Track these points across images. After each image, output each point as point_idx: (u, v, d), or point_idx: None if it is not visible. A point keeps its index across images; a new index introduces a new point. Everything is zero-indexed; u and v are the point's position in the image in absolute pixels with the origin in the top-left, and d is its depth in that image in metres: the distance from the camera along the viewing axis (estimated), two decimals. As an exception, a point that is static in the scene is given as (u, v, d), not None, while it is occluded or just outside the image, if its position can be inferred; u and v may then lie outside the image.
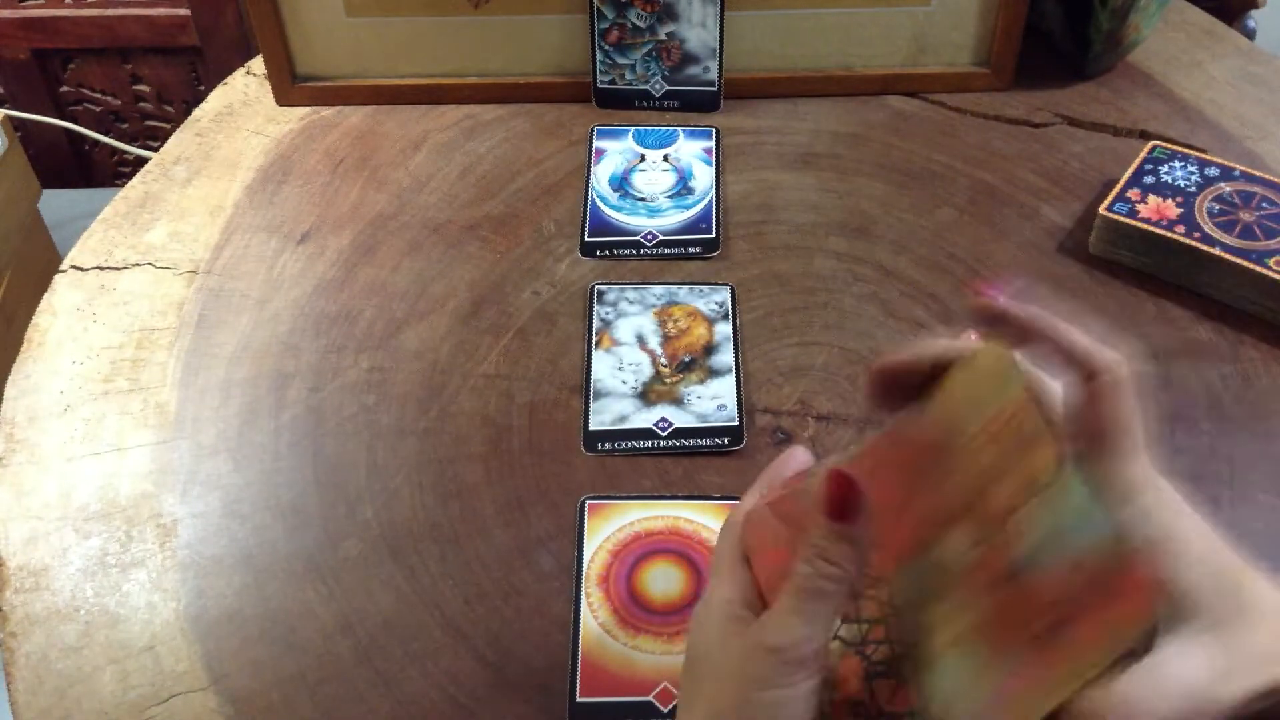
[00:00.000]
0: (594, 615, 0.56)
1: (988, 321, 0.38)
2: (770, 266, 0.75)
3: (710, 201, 0.79)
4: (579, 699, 0.53)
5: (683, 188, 0.80)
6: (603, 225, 0.77)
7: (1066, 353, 0.37)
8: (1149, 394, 0.37)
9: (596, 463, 0.63)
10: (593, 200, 0.79)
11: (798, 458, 0.44)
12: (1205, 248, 0.69)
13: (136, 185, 0.82)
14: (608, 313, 0.71)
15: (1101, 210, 0.72)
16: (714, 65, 0.86)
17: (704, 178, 0.81)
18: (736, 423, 0.65)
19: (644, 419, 0.65)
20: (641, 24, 0.84)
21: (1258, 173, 0.75)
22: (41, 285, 0.74)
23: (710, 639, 0.39)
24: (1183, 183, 0.74)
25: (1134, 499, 0.36)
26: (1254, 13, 1.19)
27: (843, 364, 0.68)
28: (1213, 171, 0.75)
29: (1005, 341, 0.37)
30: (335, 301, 0.73)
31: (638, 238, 0.76)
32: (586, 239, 0.76)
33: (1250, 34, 1.18)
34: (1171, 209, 0.72)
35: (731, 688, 0.36)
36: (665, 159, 0.83)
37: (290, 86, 0.88)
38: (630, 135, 0.85)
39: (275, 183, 0.82)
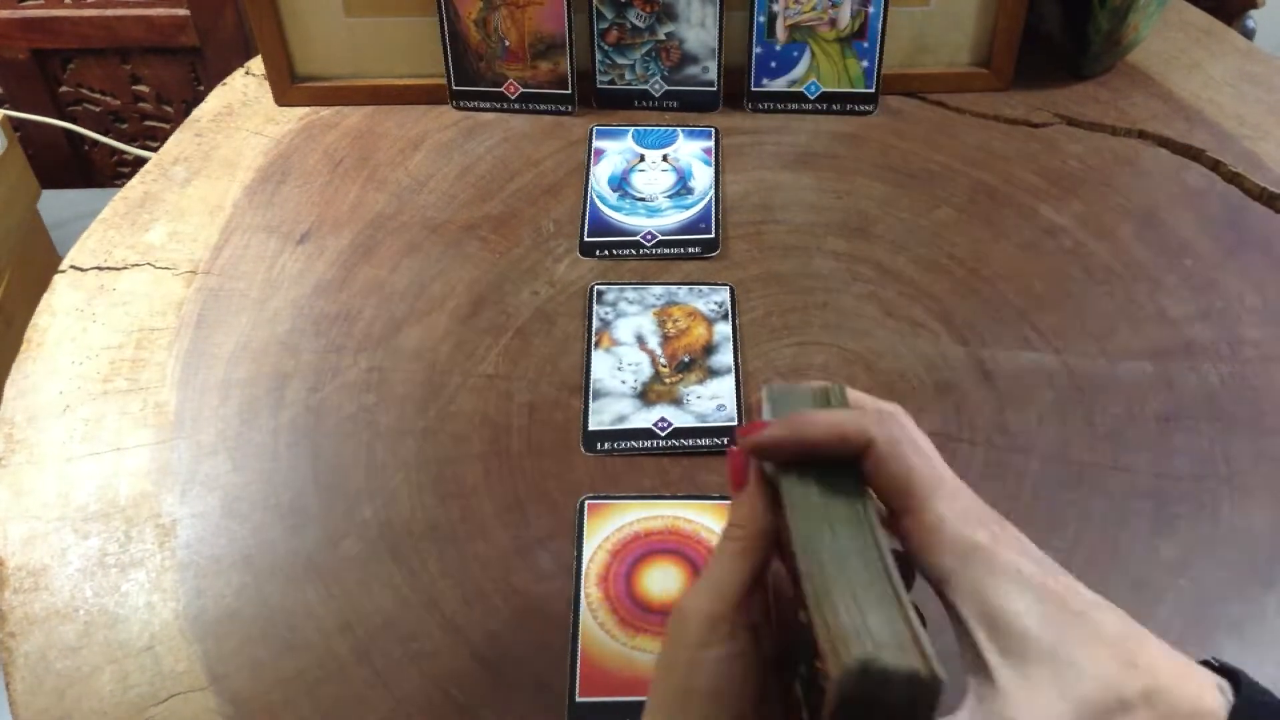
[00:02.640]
0: (593, 615, 0.56)
1: (760, 458, 0.39)
2: (769, 266, 0.75)
3: (709, 201, 0.79)
4: (578, 699, 0.53)
5: (682, 188, 0.80)
6: (602, 225, 0.77)
7: (830, 443, 0.37)
8: (922, 437, 0.37)
9: (596, 463, 0.63)
10: (592, 200, 0.79)
11: None
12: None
13: (136, 185, 0.82)
14: (607, 313, 0.71)
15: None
16: (713, 65, 0.86)
17: (703, 178, 0.81)
18: (736, 423, 0.64)
19: (643, 419, 0.65)
20: (641, 24, 0.84)
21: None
22: (41, 285, 0.74)
23: None
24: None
25: (959, 543, 0.35)
26: (1253, 13, 1.19)
27: (841, 364, 0.68)
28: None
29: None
30: (334, 301, 0.73)
31: (637, 238, 0.76)
32: (586, 239, 0.76)
33: (1249, 34, 1.18)
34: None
35: (662, 661, 0.37)
36: (664, 159, 0.83)
37: (289, 86, 0.88)
38: (629, 135, 0.85)
39: (274, 183, 0.82)
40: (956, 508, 0.36)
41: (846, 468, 0.37)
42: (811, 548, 0.35)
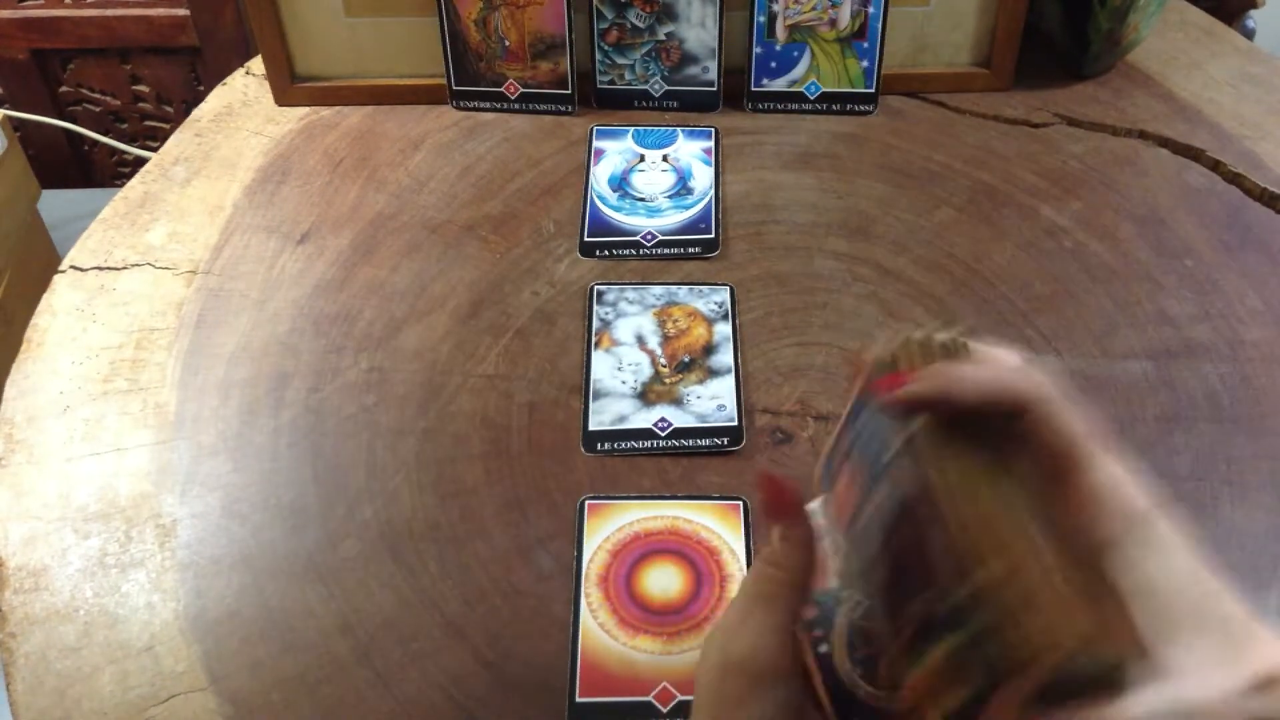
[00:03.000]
0: (593, 615, 0.56)
1: (904, 412, 0.35)
2: (769, 266, 0.75)
3: (710, 201, 0.79)
4: (578, 699, 0.53)
5: (682, 188, 0.80)
6: (602, 225, 0.77)
7: (979, 405, 0.34)
8: (1081, 401, 0.35)
9: (596, 463, 0.63)
10: (592, 200, 0.79)
11: None
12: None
13: (136, 185, 0.82)
14: (607, 313, 0.71)
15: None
16: (713, 65, 0.86)
17: (703, 178, 0.81)
18: (736, 423, 0.65)
19: (643, 419, 0.65)
20: (641, 24, 0.84)
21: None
22: (41, 285, 0.74)
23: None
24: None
25: (1123, 510, 0.33)
26: (1253, 13, 1.19)
27: (842, 364, 0.68)
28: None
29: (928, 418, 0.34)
30: (335, 302, 0.73)
31: (637, 238, 0.76)
32: (586, 239, 0.76)
33: (1249, 34, 1.18)
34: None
35: (709, 715, 0.36)
36: (665, 159, 0.83)
37: (289, 86, 0.88)
38: (630, 135, 0.85)
39: (274, 183, 0.82)
40: (1118, 472, 0.34)
41: (986, 424, 0.34)
42: (975, 519, 0.31)
